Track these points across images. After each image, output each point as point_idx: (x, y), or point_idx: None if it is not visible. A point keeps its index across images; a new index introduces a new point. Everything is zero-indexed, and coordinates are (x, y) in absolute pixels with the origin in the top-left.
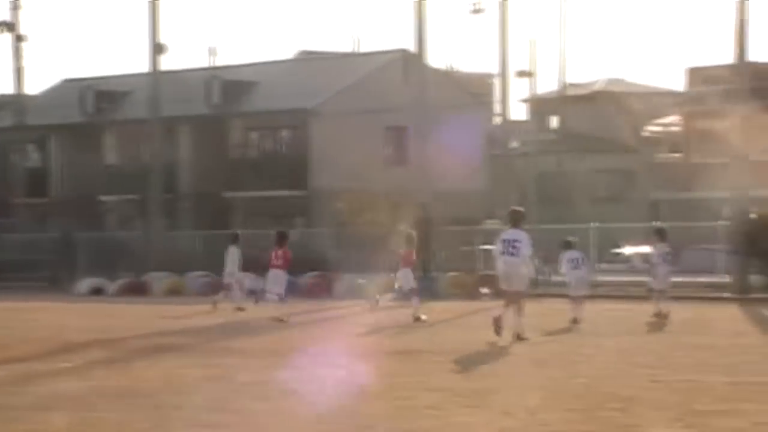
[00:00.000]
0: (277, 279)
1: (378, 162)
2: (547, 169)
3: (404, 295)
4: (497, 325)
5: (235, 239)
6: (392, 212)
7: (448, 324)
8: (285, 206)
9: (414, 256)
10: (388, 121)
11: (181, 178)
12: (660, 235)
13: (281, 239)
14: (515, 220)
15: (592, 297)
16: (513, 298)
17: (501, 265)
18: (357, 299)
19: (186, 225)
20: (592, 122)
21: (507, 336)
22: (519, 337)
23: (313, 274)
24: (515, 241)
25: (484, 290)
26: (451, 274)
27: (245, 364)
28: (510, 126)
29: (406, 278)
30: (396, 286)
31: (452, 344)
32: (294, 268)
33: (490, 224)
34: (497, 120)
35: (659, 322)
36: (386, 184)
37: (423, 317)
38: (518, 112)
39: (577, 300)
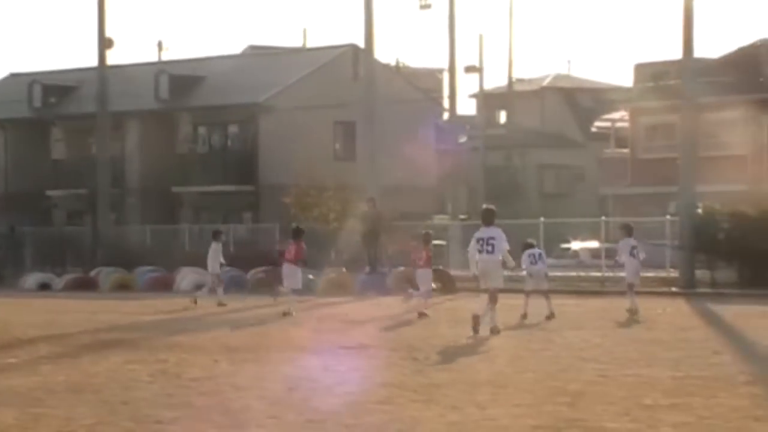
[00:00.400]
0: (290, 273)
1: (327, 157)
2: (495, 164)
3: (427, 294)
4: (476, 323)
5: (216, 236)
6: (341, 207)
7: (397, 319)
8: (233, 201)
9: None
10: (337, 116)
11: (129, 172)
12: (626, 230)
13: (296, 233)
14: (488, 218)
15: (539, 292)
16: (491, 295)
17: (478, 263)
18: (307, 295)
19: (134, 220)
20: (540, 117)
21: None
22: (494, 330)
23: (262, 269)
24: (490, 238)
25: (434, 285)
26: (401, 269)
27: (194, 359)
28: (459, 121)
29: (425, 279)
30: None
31: (402, 339)
32: (242, 263)
33: (440, 219)
34: (446, 115)
35: (631, 317)
36: (335, 179)
37: (426, 312)
38: (467, 107)
39: (531, 295)
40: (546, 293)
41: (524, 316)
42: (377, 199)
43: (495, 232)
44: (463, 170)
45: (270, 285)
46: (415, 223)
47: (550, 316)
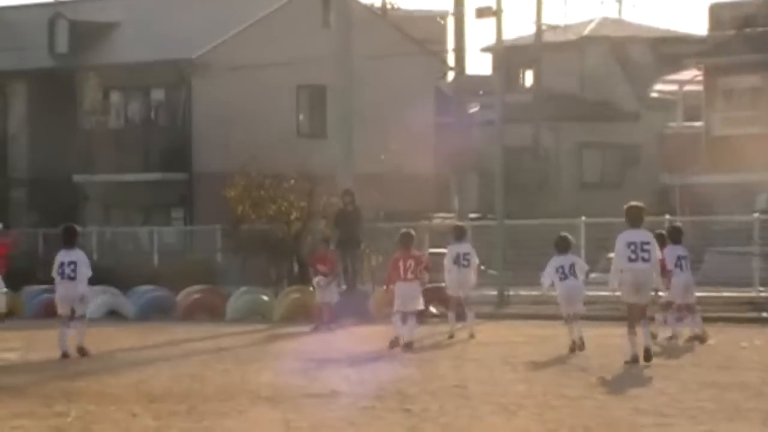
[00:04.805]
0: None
1: (287, 134)
2: (518, 144)
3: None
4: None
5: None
6: (306, 203)
7: (382, 356)
8: (158, 195)
9: None
10: (301, 77)
11: (13, 157)
12: (672, 235)
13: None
14: (636, 217)
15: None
16: (641, 312)
17: (629, 275)
18: (257, 322)
19: (21, 221)
20: (579, 79)
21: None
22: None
23: (198, 288)
24: (645, 243)
25: (434, 309)
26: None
27: (103, 412)
28: (468, 83)
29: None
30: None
31: (389, 384)
32: (170, 280)
33: (441, 219)
34: (451, 75)
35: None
36: (298, 164)
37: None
38: (479, 64)
39: (571, 321)
40: (577, 318)
41: (573, 347)
42: (356, 193)
43: (648, 236)
44: (473, 152)
45: (210, 309)
46: (408, 224)
47: (574, 347)
